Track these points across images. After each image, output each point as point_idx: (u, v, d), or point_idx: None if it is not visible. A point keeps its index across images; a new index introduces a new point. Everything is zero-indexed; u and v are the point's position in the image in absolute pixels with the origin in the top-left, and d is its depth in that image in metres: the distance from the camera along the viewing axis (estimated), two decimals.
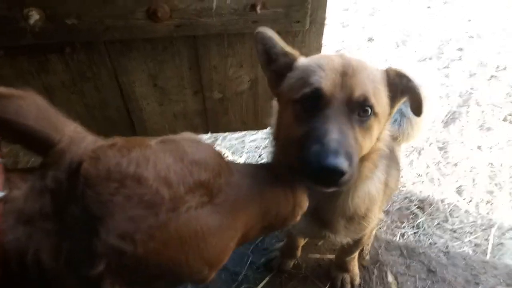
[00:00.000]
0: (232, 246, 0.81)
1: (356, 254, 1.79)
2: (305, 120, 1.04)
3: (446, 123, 3.11)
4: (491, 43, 3.86)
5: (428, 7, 4.33)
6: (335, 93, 1.01)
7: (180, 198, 0.71)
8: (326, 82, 1.03)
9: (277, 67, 1.19)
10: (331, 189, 1.03)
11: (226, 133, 2.91)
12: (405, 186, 2.66)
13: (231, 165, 0.88)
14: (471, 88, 3.38)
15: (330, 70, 1.05)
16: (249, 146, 2.87)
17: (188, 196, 0.73)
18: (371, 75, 1.08)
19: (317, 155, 0.93)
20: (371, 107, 1.03)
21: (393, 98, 1.15)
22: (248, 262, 1.94)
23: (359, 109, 1.03)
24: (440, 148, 2.93)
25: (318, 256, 1.95)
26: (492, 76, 3.49)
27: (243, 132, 2.90)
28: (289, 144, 1.07)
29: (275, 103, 1.29)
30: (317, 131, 0.98)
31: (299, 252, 1.90)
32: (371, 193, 1.28)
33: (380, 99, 1.08)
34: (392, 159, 1.49)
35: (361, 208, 1.29)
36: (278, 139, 1.25)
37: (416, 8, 4.31)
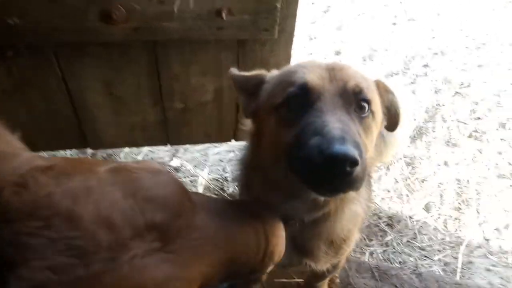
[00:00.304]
0: None
1: (327, 280, 1.67)
2: (294, 122, 0.90)
3: (414, 139, 3.09)
4: (455, 60, 3.92)
5: (394, 24, 4.37)
6: (324, 85, 0.90)
7: (122, 245, 0.57)
8: (311, 75, 0.91)
9: (251, 91, 1.12)
10: (340, 192, 0.87)
11: (188, 145, 2.75)
12: (374, 202, 2.59)
13: (195, 200, 0.73)
14: (437, 104, 3.40)
15: (314, 67, 0.94)
16: (213, 159, 2.73)
17: (135, 242, 0.59)
18: (361, 74, 0.99)
19: (319, 146, 0.77)
20: (368, 102, 0.91)
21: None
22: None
23: (355, 103, 0.90)
24: (408, 164, 2.89)
25: (285, 280, 1.81)
26: (456, 93, 3.53)
27: (206, 144, 2.76)
28: (277, 158, 0.93)
29: (245, 127, 1.19)
30: (312, 125, 0.83)
31: (264, 276, 1.76)
32: (358, 214, 1.16)
33: (375, 98, 0.97)
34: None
35: (344, 230, 1.17)
36: (259, 161, 1.08)
37: (382, 23, 4.34)
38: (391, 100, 1.07)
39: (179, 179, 0.74)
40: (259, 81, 1.10)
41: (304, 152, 0.80)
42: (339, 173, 0.75)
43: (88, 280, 0.53)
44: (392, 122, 1.11)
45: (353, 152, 0.74)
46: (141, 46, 1.80)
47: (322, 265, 1.26)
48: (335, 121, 0.81)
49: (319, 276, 1.60)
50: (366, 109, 0.91)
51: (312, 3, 4.54)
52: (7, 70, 1.73)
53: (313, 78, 0.91)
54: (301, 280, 1.81)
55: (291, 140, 0.88)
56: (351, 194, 1.04)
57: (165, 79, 1.94)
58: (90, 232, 0.55)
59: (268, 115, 0.99)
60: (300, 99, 0.91)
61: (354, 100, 0.90)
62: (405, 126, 3.18)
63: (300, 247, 1.18)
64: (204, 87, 2.03)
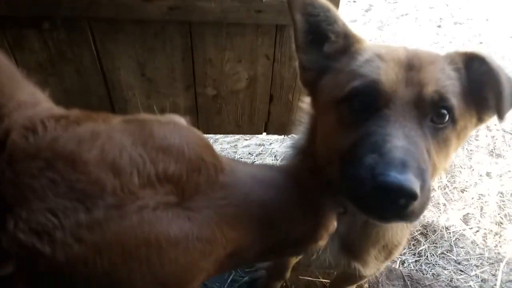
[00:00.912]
0: (207, 267, 0.58)
1: (356, 284, 1.56)
2: (354, 126, 0.77)
3: None
4: (503, 67, 3.70)
5: (439, 26, 4.18)
6: (398, 89, 0.75)
7: (130, 192, 0.51)
8: (386, 74, 0.76)
9: (325, 54, 0.88)
10: (391, 222, 0.78)
11: (218, 136, 2.69)
12: None
13: (225, 162, 0.64)
14: None
15: (392, 61, 0.78)
16: (242, 152, 2.66)
17: (145, 192, 0.52)
18: (447, 69, 0.79)
19: (373, 169, 0.65)
20: (450, 109, 0.75)
21: (478, 101, 0.82)
22: (229, 279, 1.70)
23: (433, 113, 0.75)
24: (447, 172, 2.72)
25: (309, 278, 1.71)
26: None
27: (237, 136, 2.69)
28: (330, 161, 0.80)
29: (305, 106, 1.01)
30: (372, 137, 0.71)
31: (288, 274, 1.67)
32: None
33: (459, 101, 0.78)
34: None
35: (398, 235, 1.05)
36: (311, 155, 0.94)
37: (426, 26, 4.17)
38: (487, 76, 0.79)
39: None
40: (342, 51, 0.86)
41: (355, 170, 0.69)
42: (391, 205, 0.65)
43: (91, 226, 0.47)
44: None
45: (412, 184, 0.62)
46: (177, 27, 1.75)
47: (370, 270, 1.13)
48: (400, 138, 0.69)
49: (348, 280, 1.49)
50: (446, 118, 0.76)
51: (354, 1, 4.42)
52: (43, 43, 1.72)
53: (387, 77, 0.76)
54: (326, 281, 1.70)
55: (347, 148, 0.76)
56: None
57: (199, 63, 1.89)
58: (93, 175, 0.49)
59: (328, 107, 0.85)
60: (366, 99, 0.77)
61: (431, 110, 0.75)
62: None
63: (350, 248, 1.06)
64: (237, 74, 1.96)
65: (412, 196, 0.62)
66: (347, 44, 0.87)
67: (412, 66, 0.78)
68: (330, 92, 0.85)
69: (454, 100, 0.76)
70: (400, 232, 1.05)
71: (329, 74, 0.87)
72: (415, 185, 0.62)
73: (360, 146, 0.73)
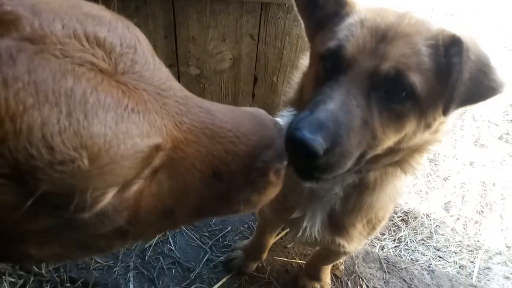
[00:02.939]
0: (139, 147, 0.49)
1: (332, 264, 1.56)
2: (321, 83, 0.81)
3: None
4: (492, 59, 3.71)
5: (430, 17, 4.17)
6: (359, 58, 0.77)
7: (51, 33, 0.45)
8: (355, 41, 0.78)
9: (321, 16, 0.92)
10: (307, 182, 0.79)
11: None
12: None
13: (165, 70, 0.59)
14: None
15: (369, 29, 0.79)
16: None
17: (70, 41, 0.46)
18: (420, 44, 0.77)
19: (292, 124, 0.70)
20: (407, 86, 0.75)
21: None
22: (205, 259, 1.69)
23: (388, 87, 0.76)
24: (431, 160, 2.74)
25: (285, 259, 1.71)
26: None
27: None
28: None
29: (301, 64, 1.06)
30: (319, 96, 0.75)
31: (265, 254, 1.66)
32: (398, 193, 1.05)
33: (426, 79, 0.76)
34: None
35: (383, 210, 1.06)
36: (298, 106, 0.98)
37: (436, 15, 4.16)
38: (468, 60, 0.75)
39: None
40: (337, 14, 0.89)
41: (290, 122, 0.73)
42: (297, 159, 0.68)
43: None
44: (473, 91, 0.78)
45: (315, 143, 0.66)
46: (159, 2, 1.71)
47: (354, 246, 1.16)
48: (335, 103, 0.72)
49: (324, 259, 1.49)
50: (402, 94, 0.76)
51: None
52: None
53: (353, 46, 0.77)
54: (302, 261, 1.70)
55: (309, 101, 0.79)
56: (402, 170, 0.93)
57: (182, 41, 1.85)
58: (7, 7, 0.44)
59: (312, 63, 0.90)
60: (334, 61, 0.80)
61: (386, 84, 0.76)
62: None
63: (335, 224, 1.07)
64: (221, 54, 1.93)
65: (312, 153, 0.66)
66: (338, 7, 0.90)
67: (384, 37, 0.78)
68: (317, 48, 0.89)
69: (416, 78, 0.75)
70: (384, 207, 1.06)
71: (322, 31, 0.91)
72: (318, 146, 0.66)
73: (309, 102, 0.77)
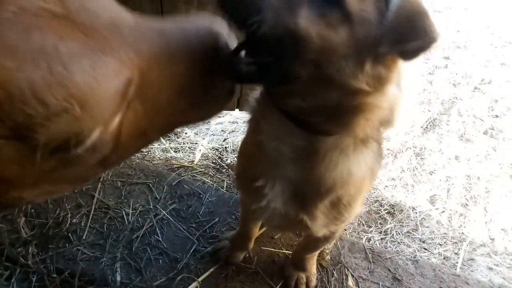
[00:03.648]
0: (116, 86, 0.54)
1: (317, 252, 1.58)
2: None
3: (425, 129, 2.96)
4: (478, 56, 3.77)
5: (439, 12, 4.23)
6: None
7: None
8: None
9: None
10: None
11: None
12: (377, 189, 2.49)
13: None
14: (454, 97, 3.26)
15: None
16: (214, 129, 2.64)
17: None
18: None
19: None
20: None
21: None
22: (192, 249, 1.70)
23: None
24: (417, 154, 2.77)
25: (272, 250, 1.72)
26: (476, 88, 3.38)
27: None
28: None
29: None
30: None
31: (251, 244, 1.67)
32: (355, 176, 0.99)
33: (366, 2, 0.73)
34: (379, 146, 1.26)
35: (344, 190, 1.03)
36: None
37: None
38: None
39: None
40: None
41: None
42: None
43: None
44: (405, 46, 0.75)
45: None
46: None
47: (318, 227, 1.13)
48: None
49: (308, 248, 1.51)
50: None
51: None
52: None
53: None
54: (289, 252, 1.72)
55: None
56: (357, 138, 0.90)
57: None
58: None
59: None
60: None
61: None
62: (416, 114, 3.05)
63: (299, 197, 1.05)
64: None
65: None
66: None
67: None
68: None
69: None
70: (352, 189, 1.03)
71: None
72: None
73: None
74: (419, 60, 3.60)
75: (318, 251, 1.57)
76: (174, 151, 2.46)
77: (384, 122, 0.95)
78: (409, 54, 0.76)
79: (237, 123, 2.71)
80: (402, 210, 2.40)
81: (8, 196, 0.57)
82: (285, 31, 0.71)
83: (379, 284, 1.69)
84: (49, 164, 0.54)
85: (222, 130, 2.65)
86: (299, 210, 1.07)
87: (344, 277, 1.69)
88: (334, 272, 1.69)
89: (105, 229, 1.75)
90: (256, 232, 1.66)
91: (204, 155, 2.45)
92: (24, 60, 0.44)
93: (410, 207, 2.43)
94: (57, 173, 0.58)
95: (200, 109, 0.75)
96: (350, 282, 1.67)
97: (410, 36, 0.72)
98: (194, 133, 2.58)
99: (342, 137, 0.90)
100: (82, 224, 1.76)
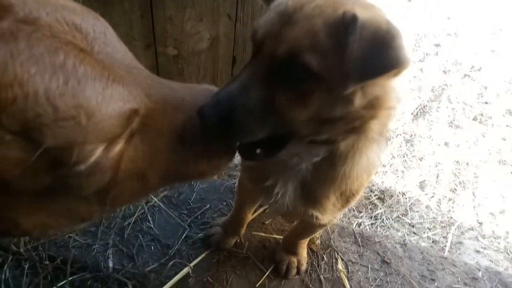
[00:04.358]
0: (122, 109, 0.61)
1: (308, 239, 1.60)
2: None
3: (416, 116, 2.99)
4: (468, 42, 3.79)
5: (409, 0, 4.22)
6: (266, 42, 0.81)
7: (41, 21, 0.54)
8: (264, 26, 0.82)
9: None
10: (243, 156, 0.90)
11: None
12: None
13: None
14: (444, 84, 3.29)
15: (278, 13, 0.82)
16: None
17: (55, 28, 0.55)
18: (320, 26, 0.78)
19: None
20: (304, 67, 0.77)
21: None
22: (184, 235, 1.71)
23: (287, 68, 0.79)
24: (407, 141, 2.80)
25: (263, 235, 1.75)
26: (466, 75, 3.41)
27: None
28: None
29: None
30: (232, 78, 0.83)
31: (243, 230, 1.69)
32: (372, 164, 1.05)
33: (325, 58, 0.78)
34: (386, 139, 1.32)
35: (356, 181, 1.07)
36: None
37: None
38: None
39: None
40: None
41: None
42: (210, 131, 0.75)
43: None
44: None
45: (207, 116, 0.72)
46: None
47: (328, 218, 1.19)
48: (236, 84, 0.79)
49: (301, 234, 1.53)
50: (301, 73, 0.78)
51: None
52: None
53: (263, 29, 0.81)
54: (280, 237, 1.74)
55: None
56: (369, 138, 0.94)
57: (159, 21, 1.84)
58: None
59: None
60: (251, 46, 0.86)
61: (285, 65, 0.79)
62: (406, 101, 3.08)
63: (309, 194, 1.10)
64: (199, 34, 1.93)
65: (207, 124, 0.73)
66: None
67: (288, 20, 0.80)
68: None
69: (312, 57, 0.77)
70: (358, 180, 1.07)
71: None
72: (210, 117, 0.73)
73: None
74: (410, 49, 3.62)
75: (308, 239, 1.60)
76: None
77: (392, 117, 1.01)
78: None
79: None
80: (392, 196, 2.43)
81: (5, 217, 0.61)
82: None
83: (368, 267, 1.72)
84: (48, 179, 0.57)
85: None
86: (309, 205, 1.13)
87: (334, 260, 1.71)
88: (324, 256, 1.72)
89: None
90: (249, 218, 1.68)
91: None
92: (45, 69, 0.51)
93: (400, 193, 2.47)
94: (53, 200, 0.63)
95: (199, 162, 0.78)
96: (340, 265, 1.70)
97: (374, 73, 0.75)
98: None
99: (357, 138, 0.95)
100: None
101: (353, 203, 1.21)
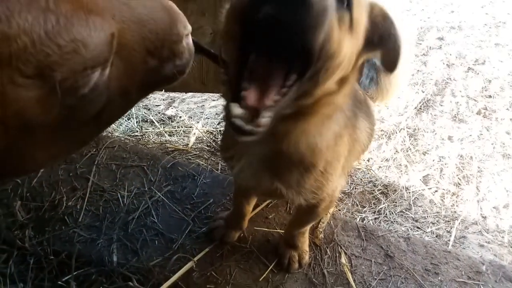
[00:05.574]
0: (105, 36, 0.68)
1: (307, 229, 1.60)
2: None
3: (419, 110, 2.98)
4: (472, 36, 3.77)
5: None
6: None
7: None
8: None
9: None
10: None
11: (185, 96, 2.66)
12: (370, 170, 2.51)
13: None
14: (448, 78, 3.27)
15: None
16: (209, 112, 2.65)
17: None
18: None
19: None
20: None
21: (369, 41, 0.92)
22: (187, 230, 1.72)
23: None
24: (411, 135, 2.79)
25: (266, 229, 1.75)
26: (469, 69, 3.39)
27: (204, 97, 2.67)
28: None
29: None
30: None
31: (245, 223, 1.70)
32: (321, 144, 1.03)
33: (361, 10, 0.84)
34: (360, 108, 1.29)
35: (318, 159, 1.07)
36: None
37: None
38: (389, 31, 0.93)
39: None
40: None
41: None
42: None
43: None
44: (390, 59, 0.97)
45: None
46: None
47: (294, 195, 1.16)
48: None
49: (297, 223, 1.54)
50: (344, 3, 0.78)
51: None
52: None
53: None
54: (282, 231, 1.74)
55: None
56: (328, 110, 0.94)
57: None
58: None
59: None
60: None
61: None
62: (410, 95, 3.07)
63: (271, 166, 1.09)
64: (201, 29, 1.93)
65: None
66: None
67: None
68: None
69: None
70: (326, 154, 1.07)
71: None
72: None
73: None
74: (414, 42, 3.60)
75: (306, 228, 1.60)
76: (168, 135, 2.46)
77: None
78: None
79: None
80: (395, 190, 2.43)
81: (25, 154, 0.70)
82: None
83: (371, 261, 1.72)
84: (59, 110, 0.66)
85: (216, 114, 2.66)
86: (273, 178, 1.12)
87: (337, 254, 1.72)
88: (328, 250, 1.72)
89: (100, 211, 1.77)
90: (249, 210, 1.68)
91: (199, 138, 2.46)
92: (38, 15, 0.58)
93: (403, 187, 2.46)
94: (63, 130, 0.72)
95: (168, 66, 0.88)
96: (343, 259, 1.70)
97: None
98: (189, 117, 2.59)
99: (306, 118, 0.94)
100: (78, 207, 1.77)
101: (328, 186, 1.17)
